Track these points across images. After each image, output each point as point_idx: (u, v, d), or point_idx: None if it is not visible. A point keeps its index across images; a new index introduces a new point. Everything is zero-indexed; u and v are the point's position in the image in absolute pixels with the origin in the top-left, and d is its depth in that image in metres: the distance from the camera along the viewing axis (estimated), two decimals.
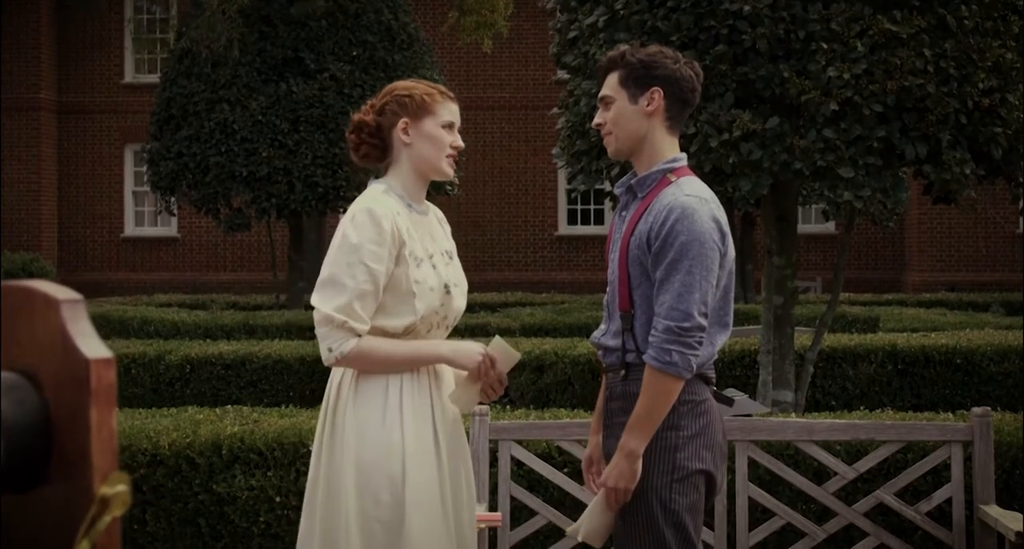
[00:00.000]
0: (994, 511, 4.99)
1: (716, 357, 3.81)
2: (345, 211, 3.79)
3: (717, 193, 3.73)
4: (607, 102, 3.87)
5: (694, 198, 3.70)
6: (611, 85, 3.87)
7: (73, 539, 1.21)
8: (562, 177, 28.70)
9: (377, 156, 3.86)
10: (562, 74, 7.64)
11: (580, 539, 3.87)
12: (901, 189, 16.30)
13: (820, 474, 5.55)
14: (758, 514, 5.41)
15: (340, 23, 17.11)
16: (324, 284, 3.66)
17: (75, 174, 29.93)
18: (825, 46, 6.87)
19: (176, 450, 5.88)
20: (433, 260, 3.77)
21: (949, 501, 5.24)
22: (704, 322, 3.62)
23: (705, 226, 3.66)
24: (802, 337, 9.85)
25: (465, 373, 3.78)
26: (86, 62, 29.95)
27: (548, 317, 14.35)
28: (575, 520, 5.30)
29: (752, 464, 5.41)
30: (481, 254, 29.05)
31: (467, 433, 4.86)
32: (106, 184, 29.87)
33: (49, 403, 1.24)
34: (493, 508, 5.28)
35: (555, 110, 8.13)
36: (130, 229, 29.98)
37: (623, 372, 3.78)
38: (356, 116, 3.87)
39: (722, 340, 3.79)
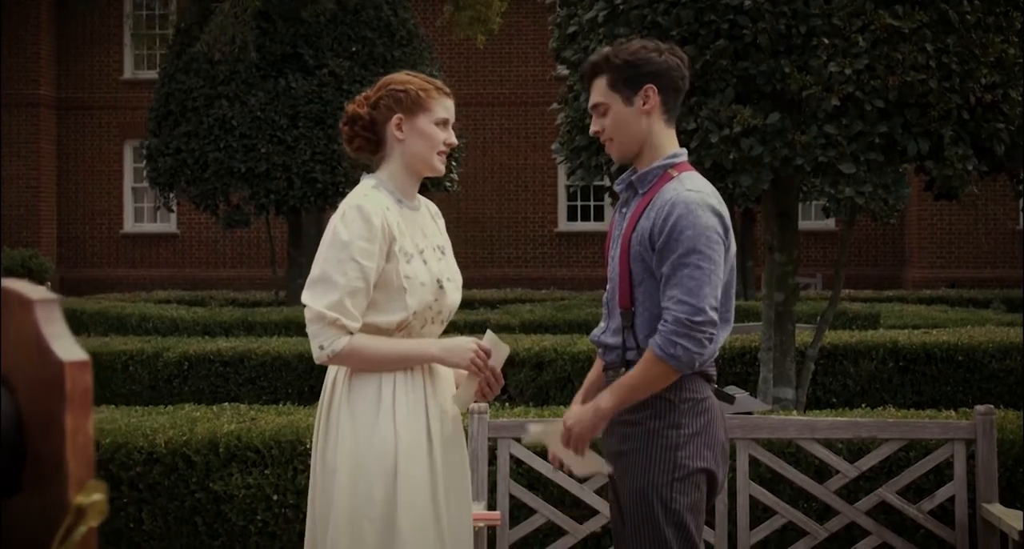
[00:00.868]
0: (997, 510, 4.96)
1: (717, 354, 3.77)
2: None
3: (717, 189, 3.70)
4: (601, 109, 3.82)
5: (697, 193, 3.67)
6: (601, 91, 3.81)
7: None
8: (562, 173, 28.68)
9: (371, 149, 3.85)
10: (562, 69, 7.59)
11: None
12: (903, 185, 16.24)
13: (822, 472, 5.52)
14: (759, 513, 5.37)
15: (339, 19, 17.07)
16: (315, 282, 3.65)
17: (74, 170, 29.89)
18: (826, 41, 6.83)
19: (173, 448, 5.85)
20: (424, 255, 3.74)
21: (952, 499, 5.20)
22: (716, 317, 3.59)
23: (710, 221, 3.63)
24: (803, 334, 9.81)
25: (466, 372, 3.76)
26: (85, 58, 29.91)
27: (548, 314, 14.32)
28: (575, 519, 5.28)
29: (753, 462, 5.37)
30: (480, 250, 29.01)
31: (465, 431, 4.82)
32: (105, 180, 29.83)
33: (22, 408, 1.19)
34: (492, 507, 5.24)
35: (555, 105, 8.09)
36: (129, 225, 29.94)
37: (623, 370, 3.75)
38: (350, 107, 3.85)
39: (723, 337, 3.75)
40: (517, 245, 29.34)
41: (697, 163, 6.69)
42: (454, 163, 17.85)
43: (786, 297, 8.17)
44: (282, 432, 5.85)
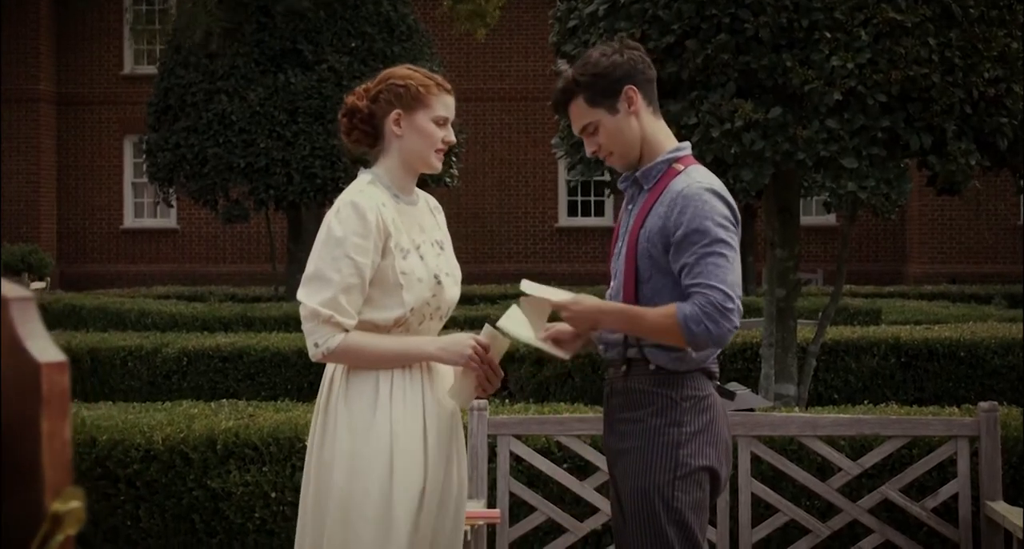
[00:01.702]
0: (1001, 507, 4.93)
1: (719, 350, 3.73)
2: None
3: None
4: (591, 128, 3.76)
5: (708, 185, 3.65)
6: (583, 111, 3.75)
7: None
8: (562, 168, 28.64)
9: (368, 142, 3.81)
10: (562, 64, 7.52)
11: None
12: (905, 180, 16.20)
13: (824, 470, 5.48)
14: (761, 510, 5.34)
15: (339, 14, 17.03)
16: (310, 278, 3.62)
17: (74, 165, 29.86)
18: (828, 35, 6.79)
19: (170, 445, 5.82)
20: (421, 251, 3.71)
21: (955, 497, 5.16)
22: (740, 306, 3.56)
23: (725, 210, 3.63)
24: (804, 330, 9.78)
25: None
26: (85, 53, 29.88)
27: None
28: (575, 517, 5.24)
29: (755, 459, 5.33)
30: (481, 246, 28.99)
31: (465, 428, 4.78)
32: (105, 175, 29.80)
33: None
34: (492, 504, 5.20)
35: None
36: (129, 221, 29.91)
37: (624, 367, 3.71)
38: (350, 99, 3.81)
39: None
40: (517, 240, 29.31)
41: (698, 158, 6.60)
42: (454, 158, 17.81)
43: (788, 293, 8.14)
44: (280, 429, 5.81)
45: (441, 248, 3.80)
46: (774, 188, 8.05)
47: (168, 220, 29.62)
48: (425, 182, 14.21)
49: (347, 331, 3.60)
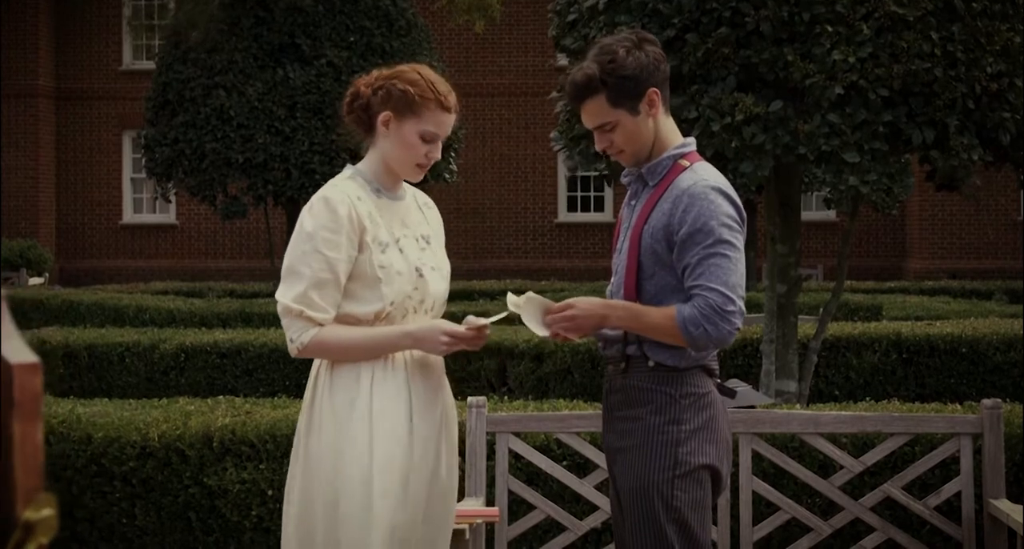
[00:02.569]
0: (1004, 505, 4.89)
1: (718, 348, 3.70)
2: None
3: None
4: (608, 126, 3.68)
5: (715, 183, 3.62)
6: (603, 111, 3.66)
7: None
8: (562, 164, 28.61)
9: (362, 128, 3.78)
10: (561, 58, 7.51)
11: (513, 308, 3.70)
12: (907, 175, 16.19)
13: (826, 467, 5.44)
14: (762, 508, 5.30)
15: (337, 9, 16.97)
16: (284, 275, 3.65)
17: (73, 161, 29.84)
18: (830, 29, 6.75)
19: (166, 442, 5.78)
20: (400, 244, 3.66)
21: (958, 495, 5.12)
22: (743, 307, 3.53)
23: (731, 210, 3.60)
24: (805, 326, 9.73)
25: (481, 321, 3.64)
26: (84, 48, 29.84)
27: None
28: (575, 515, 5.19)
29: (756, 457, 5.29)
30: (480, 241, 28.95)
31: (462, 425, 4.75)
32: (104, 171, 29.78)
33: None
34: (490, 502, 5.16)
35: (554, 94, 8.00)
36: (128, 216, 29.89)
37: (623, 365, 3.67)
38: (359, 82, 3.77)
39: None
40: (517, 236, 29.27)
41: (699, 152, 6.60)
42: (452, 154, 17.77)
43: (788, 289, 8.10)
44: (277, 426, 5.77)
45: (427, 243, 3.76)
46: (775, 183, 8.01)
47: (167, 216, 29.59)
48: (424, 178, 14.15)
49: (321, 325, 3.58)
